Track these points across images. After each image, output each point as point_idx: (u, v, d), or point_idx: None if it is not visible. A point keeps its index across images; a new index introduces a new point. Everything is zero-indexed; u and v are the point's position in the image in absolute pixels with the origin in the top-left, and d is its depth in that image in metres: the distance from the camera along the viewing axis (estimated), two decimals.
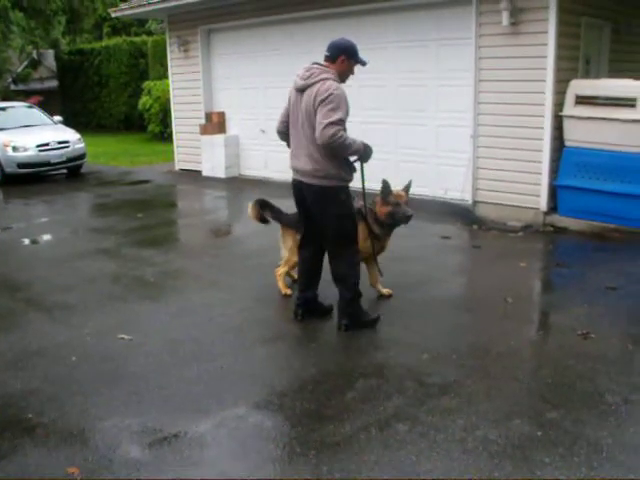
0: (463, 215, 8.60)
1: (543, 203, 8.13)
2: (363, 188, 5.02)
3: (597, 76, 8.96)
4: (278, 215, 5.69)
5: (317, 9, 10.12)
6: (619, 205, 7.47)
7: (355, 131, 4.79)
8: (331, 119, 4.40)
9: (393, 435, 3.46)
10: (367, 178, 4.93)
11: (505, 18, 7.98)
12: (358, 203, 5.13)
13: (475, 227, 8.23)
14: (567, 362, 4.32)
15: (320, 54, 4.85)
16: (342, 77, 4.76)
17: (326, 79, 4.56)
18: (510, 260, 6.75)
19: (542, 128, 7.98)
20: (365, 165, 4.86)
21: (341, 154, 4.60)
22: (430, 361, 4.37)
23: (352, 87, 8.76)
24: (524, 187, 8.22)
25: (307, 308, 5.17)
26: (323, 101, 4.47)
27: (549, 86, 7.84)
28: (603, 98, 7.65)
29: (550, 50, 7.78)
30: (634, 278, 6.10)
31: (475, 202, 8.74)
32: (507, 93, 8.19)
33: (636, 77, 8.40)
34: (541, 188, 8.11)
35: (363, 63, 4.80)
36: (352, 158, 4.78)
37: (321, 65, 4.71)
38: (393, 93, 9.71)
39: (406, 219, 5.25)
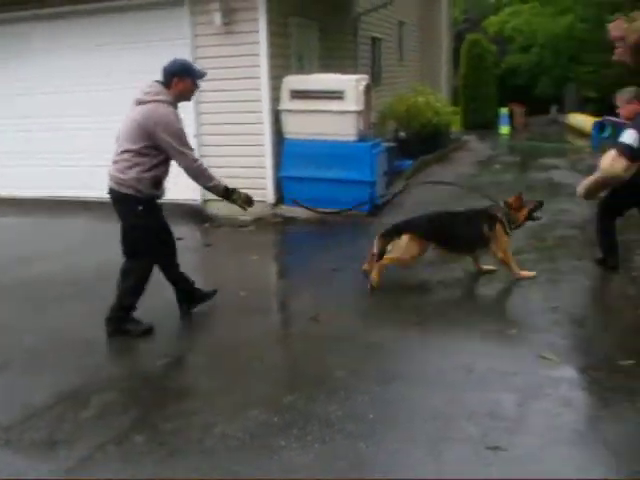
0: (194, 215, 8.57)
1: (270, 195, 8.42)
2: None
3: (310, 72, 9.47)
4: None
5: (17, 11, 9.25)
6: (336, 190, 8.01)
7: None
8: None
9: (131, 448, 3.33)
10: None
11: (218, 18, 8.13)
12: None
13: (207, 225, 8.29)
14: (300, 346, 4.53)
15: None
16: (184, 97, 4.62)
17: (161, 102, 4.43)
18: (242, 254, 6.90)
19: (262, 123, 8.27)
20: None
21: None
22: (166, 366, 4.30)
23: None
24: (251, 181, 8.37)
25: (188, 299, 5.10)
26: (164, 129, 4.39)
27: (264, 83, 8.15)
28: (315, 92, 8.13)
29: (262, 48, 8.08)
30: (352, 258, 6.48)
31: (205, 201, 8.72)
32: (226, 91, 8.34)
33: (343, 71, 9.08)
34: (267, 181, 8.41)
35: (201, 75, 4.65)
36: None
37: (160, 83, 4.53)
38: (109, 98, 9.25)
39: None
